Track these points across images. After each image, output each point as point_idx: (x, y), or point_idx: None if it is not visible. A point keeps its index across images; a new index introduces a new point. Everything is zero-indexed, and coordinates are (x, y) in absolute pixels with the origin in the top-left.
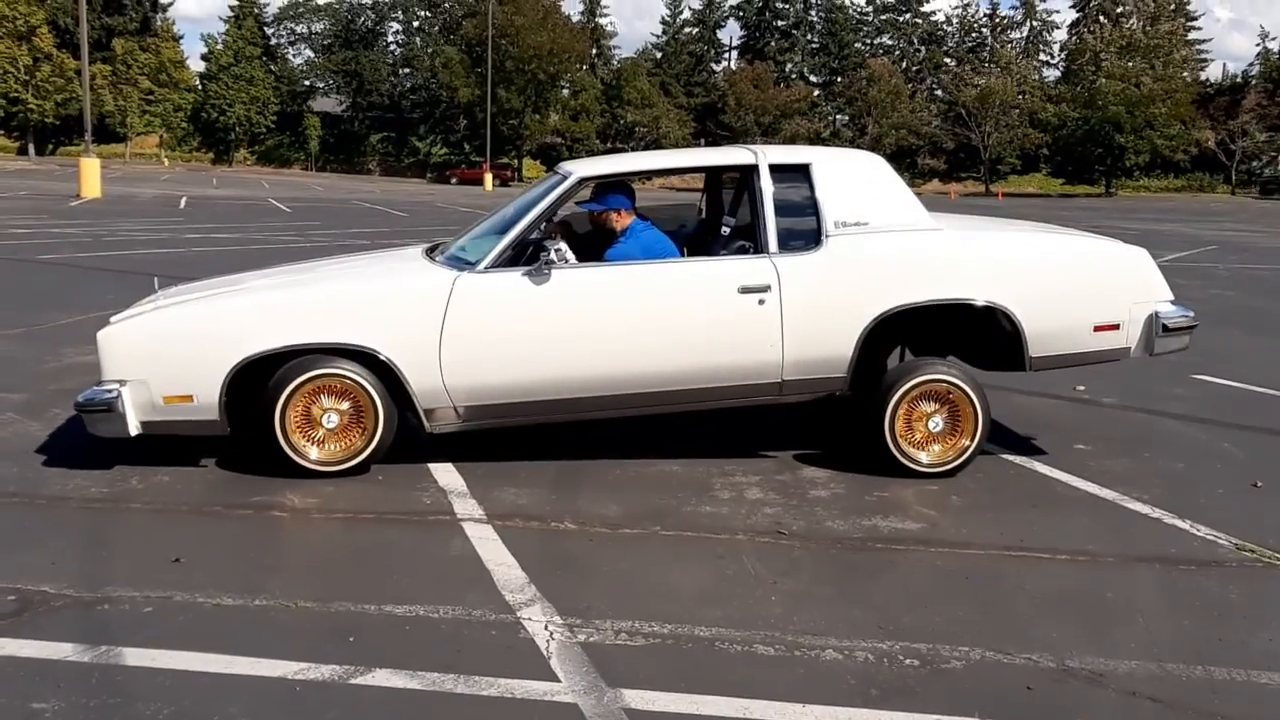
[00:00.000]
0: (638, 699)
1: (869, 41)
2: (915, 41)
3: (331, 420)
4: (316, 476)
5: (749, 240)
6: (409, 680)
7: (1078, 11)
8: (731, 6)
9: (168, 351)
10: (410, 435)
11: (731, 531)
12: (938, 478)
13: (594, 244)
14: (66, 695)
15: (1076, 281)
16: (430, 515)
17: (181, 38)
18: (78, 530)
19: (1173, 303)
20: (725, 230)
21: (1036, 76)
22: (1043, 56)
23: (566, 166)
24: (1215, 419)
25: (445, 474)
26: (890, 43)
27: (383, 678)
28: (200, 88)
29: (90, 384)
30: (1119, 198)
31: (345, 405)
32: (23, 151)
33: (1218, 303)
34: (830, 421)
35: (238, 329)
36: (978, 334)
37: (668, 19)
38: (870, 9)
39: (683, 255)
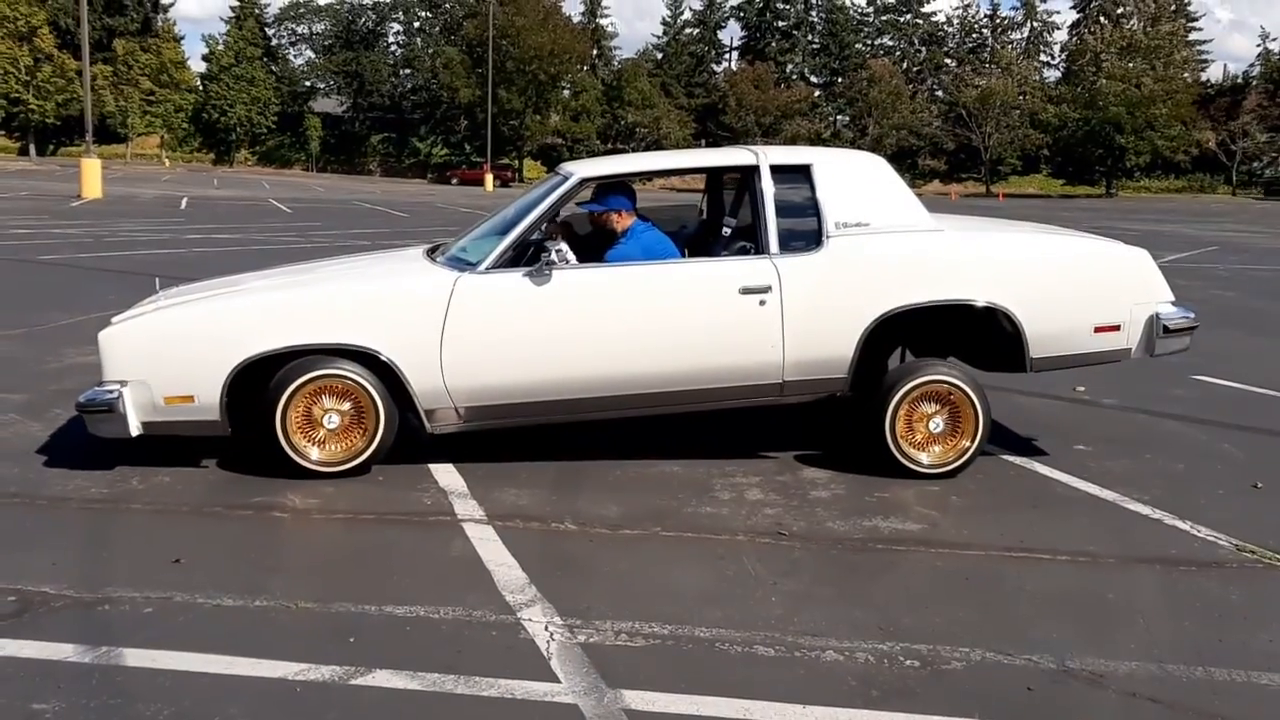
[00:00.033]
0: (638, 700)
1: (870, 42)
2: (916, 42)
3: (332, 421)
4: (317, 477)
5: (750, 241)
6: (409, 681)
7: (1078, 12)
8: (732, 7)
9: (169, 352)
10: (411, 436)
11: (732, 532)
12: (938, 478)
13: (595, 245)
14: (67, 696)
15: (1077, 282)
16: (431, 516)
17: (182, 38)
18: (78, 531)
19: (1173, 304)
20: (726, 231)
21: (1037, 77)
22: (1043, 57)
23: (567, 167)
24: (1215, 420)
25: (446, 474)
26: (891, 43)
27: (383, 678)
28: (201, 88)
29: (91, 384)
30: (1119, 198)
31: (346, 406)
32: (24, 152)
33: (1218, 303)
34: (831, 422)
35: (239, 329)
36: (978, 335)
37: (668, 20)
38: (871, 10)
39: (684, 256)
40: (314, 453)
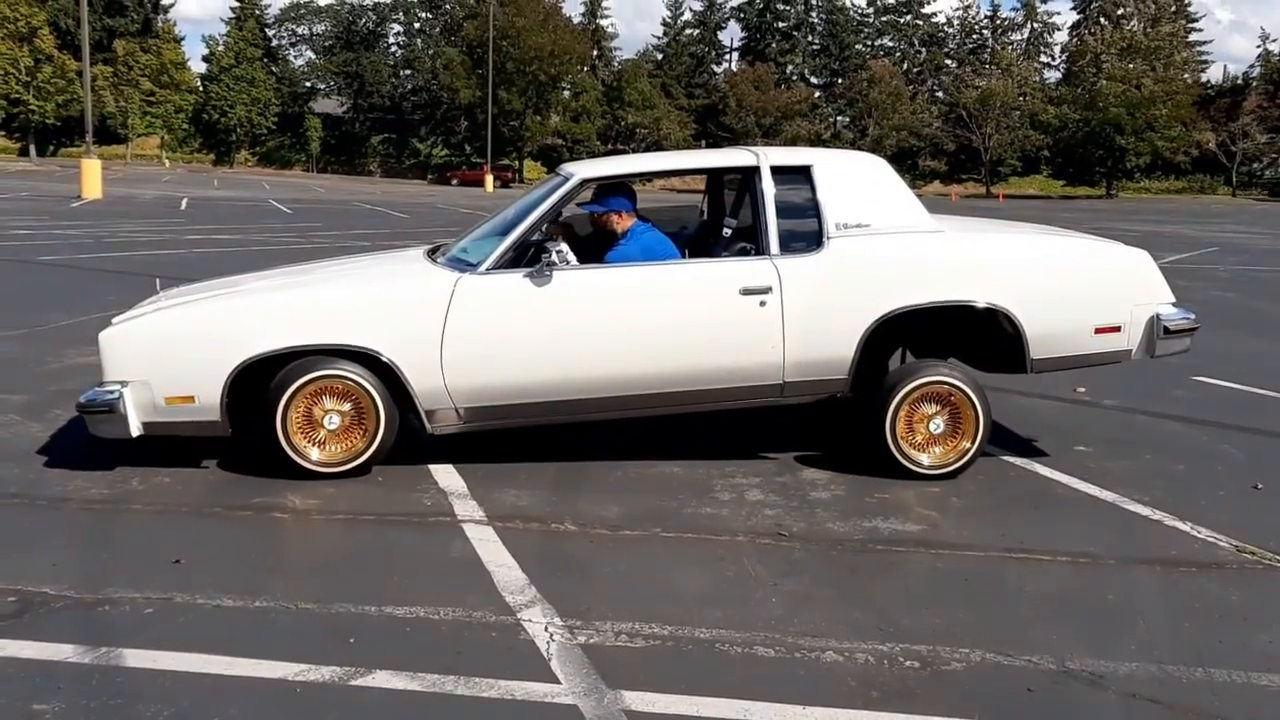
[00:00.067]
0: (638, 700)
1: (870, 43)
2: (916, 43)
3: (333, 421)
4: (317, 478)
5: (750, 242)
6: (409, 682)
7: (1079, 13)
8: (732, 8)
9: (169, 352)
10: (411, 436)
11: (732, 533)
12: (938, 479)
13: (595, 246)
14: (67, 697)
15: (1078, 283)
16: (431, 517)
17: (183, 39)
18: (78, 531)
19: (1174, 304)
20: (726, 232)
21: (1037, 78)
22: (1044, 58)
23: (568, 168)
24: (1216, 421)
25: (446, 475)
26: (891, 44)
27: (383, 679)
28: (201, 89)
29: (92, 385)
30: (1120, 199)
31: (347, 406)
32: (24, 153)
33: (1218, 304)
34: (831, 423)
35: (239, 330)
36: (979, 336)
37: (668, 20)
38: (871, 11)
39: (684, 257)
40: (314, 453)
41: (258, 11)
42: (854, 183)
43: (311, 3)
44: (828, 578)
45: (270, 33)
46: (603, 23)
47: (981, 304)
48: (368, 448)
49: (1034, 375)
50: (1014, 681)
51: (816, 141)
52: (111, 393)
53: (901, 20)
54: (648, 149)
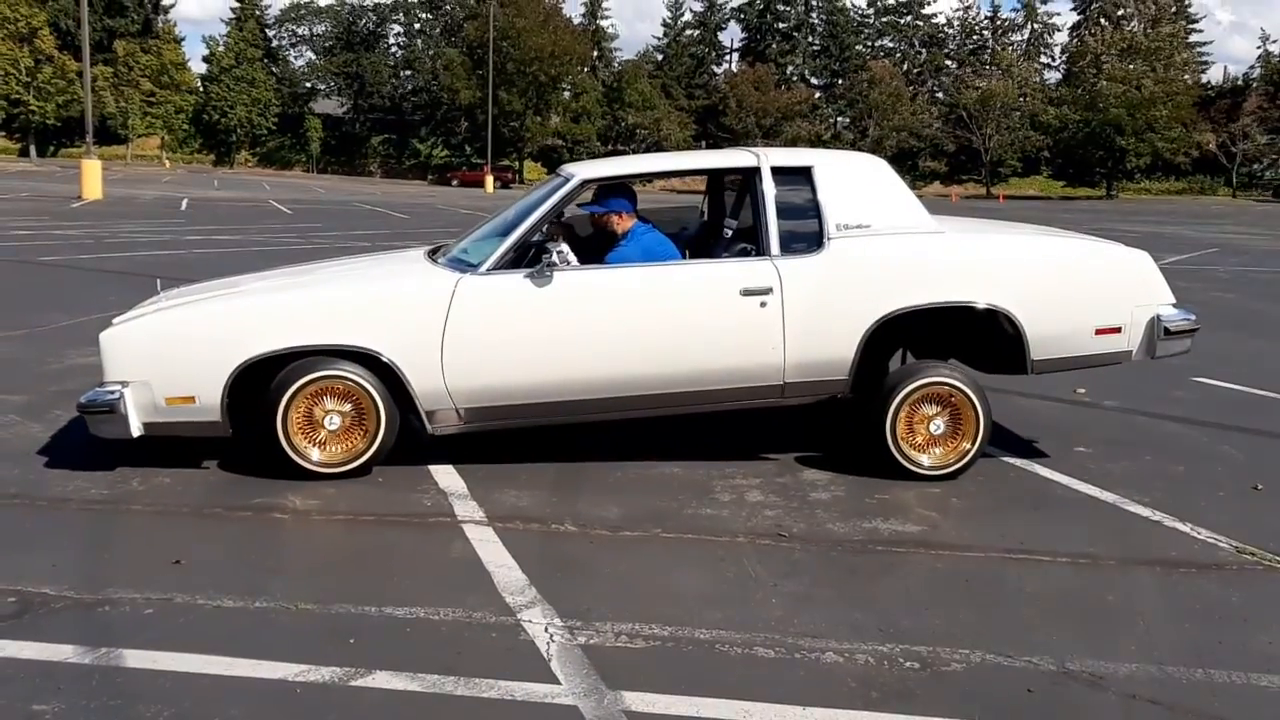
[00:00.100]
0: (638, 701)
1: (870, 44)
2: (916, 44)
3: (333, 422)
4: (318, 478)
5: (751, 243)
6: (409, 682)
7: (1079, 14)
8: (733, 9)
9: (170, 353)
10: (411, 437)
11: (732, 534)
12: (939, 480)
13: (596, 246)
14: (67, 697)
15: (1078, 284)
16: (431, 517)
17: (183, 40)
18: (79, 532)
19: (1174, 305)
20: (727, 233)
21: (1037, 79)
22: (1044, 59)
23: (568, 169)
24: (1216, 422)
25: (446, 476)
26: (891, 45)
27: (383, 680)
28: (202, 89)
29: (92, 385)
30: (1120, 200)
31: (347, 407)
32: (24, 153)
33: (1219, 305)
34: (831, 424)
35: (240, 330)
36: (979, 337)
37: (669, 21)
38: (871, 11)
39: (684, 258)
40: (315, 454)
41: (258, 12)
42: (854, 183)
43: (312, 3)
44: (828, 578)
45: (270, 33)
46: (603, 23)
47: (982, 305)
48: (368, 448)
49: (1034, 376)
50: (1014, 682)
51: (817, 142)
52: (112, 393)
53: (902, 21)
54: (648, 150)
